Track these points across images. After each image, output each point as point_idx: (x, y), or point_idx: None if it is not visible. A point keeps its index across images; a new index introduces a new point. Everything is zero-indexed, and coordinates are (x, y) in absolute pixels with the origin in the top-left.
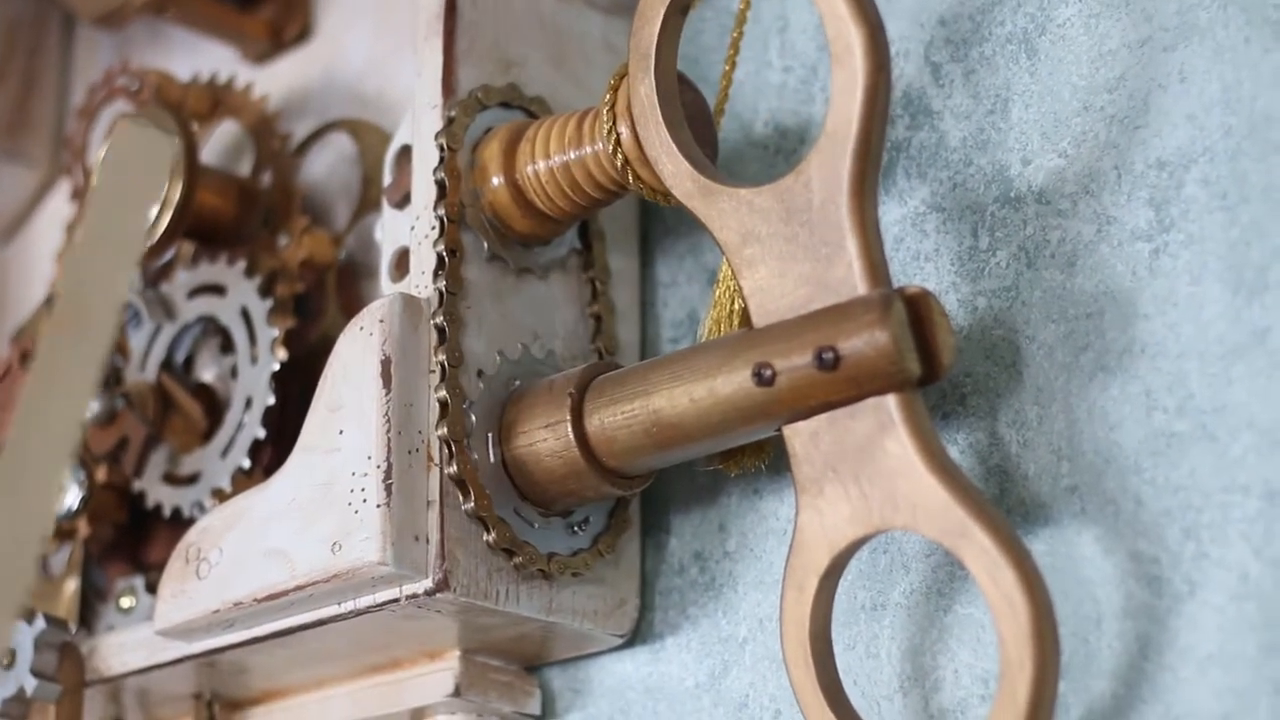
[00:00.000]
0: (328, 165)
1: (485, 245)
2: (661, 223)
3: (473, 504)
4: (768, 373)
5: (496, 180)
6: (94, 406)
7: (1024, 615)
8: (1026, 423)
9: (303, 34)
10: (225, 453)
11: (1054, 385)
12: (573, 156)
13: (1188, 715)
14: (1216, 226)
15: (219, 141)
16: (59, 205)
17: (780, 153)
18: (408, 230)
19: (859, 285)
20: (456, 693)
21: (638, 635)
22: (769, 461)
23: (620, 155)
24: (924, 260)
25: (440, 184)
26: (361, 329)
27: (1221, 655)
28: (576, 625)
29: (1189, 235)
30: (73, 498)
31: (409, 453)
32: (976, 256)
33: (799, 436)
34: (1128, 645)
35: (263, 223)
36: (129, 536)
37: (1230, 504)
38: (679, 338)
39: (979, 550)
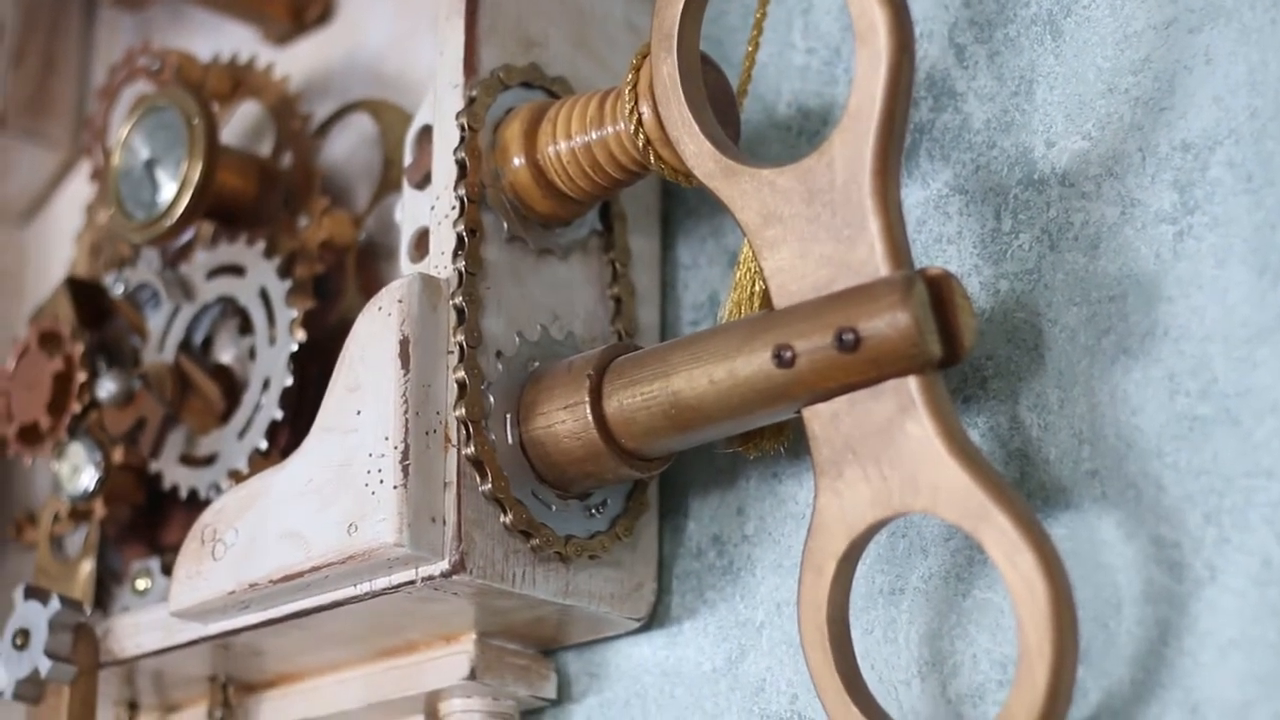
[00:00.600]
0: (348, 146)
1: (505, 226)
2: (683, 204)
3: (490, 485)
4: (788, 354)
5: (517, 160)
6: (111, 387)
7: (1043, 600)
8: (1048, 406)
9: (324, 14)
10: (242, 434)
11: (1076, 368)
12: (594, 137)
13: (1208, 701)
14: (1241, 209)
15: (240, 122)
16: (79, 186)
17: (803, 134)
18: (428, 210)
19: (881, 266)
20: (472, 676)
21: (655, 619)
22: (788, 444)
23: (642, 135)
24: (946, 243)
25: (461, 164)
26: (380, 309)
27: (1243, 641)
28: (593, 608)
29: (1213, 218)
30: (89, 478)
31: (426, 434)
32: (999, 239)
33: (819, 418)
34: (1148, 630)
35: (283, 203)
36: (145, 518)
37: (1253, 489)
38: (699, 320)
39: (999, 534)
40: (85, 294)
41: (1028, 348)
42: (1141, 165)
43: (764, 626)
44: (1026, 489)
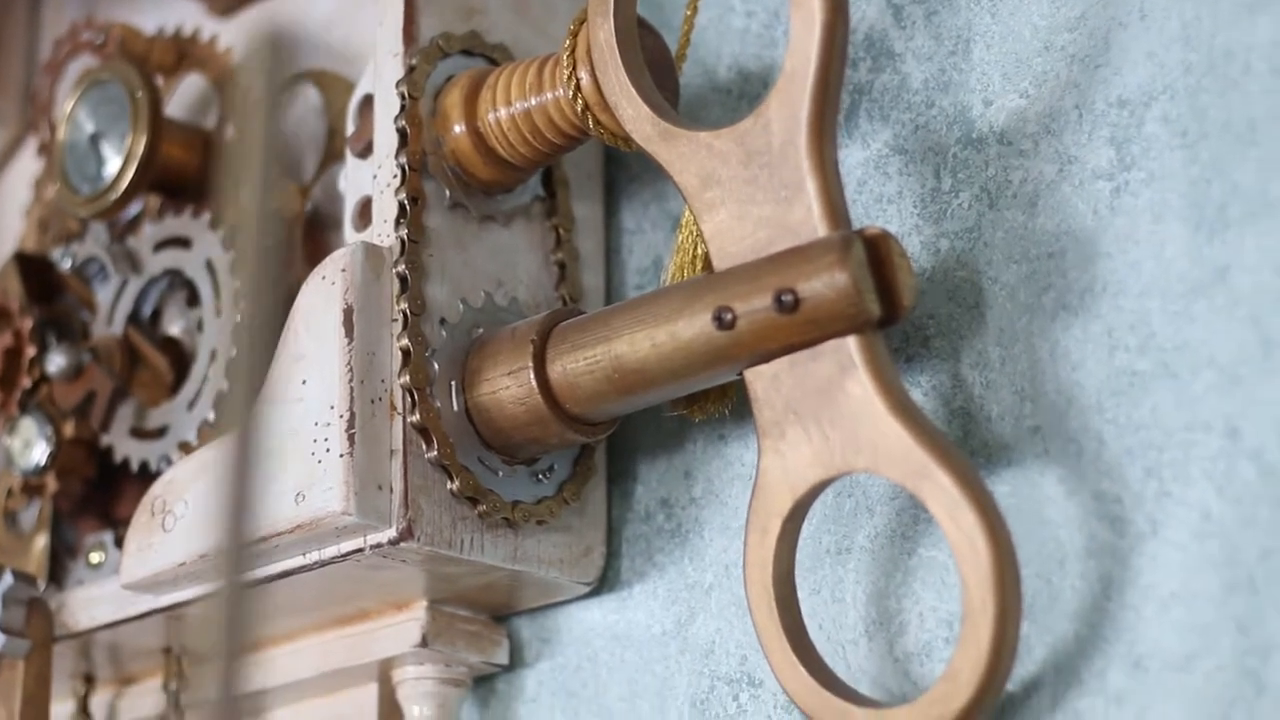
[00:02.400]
0: (294, 117)
1: (447, 193)
2: (626, 170)
3: (436, 452)
4: (728, 316)
5: (458, 128)
6: (61, 362)
7: (985, 557)
8: (989, 364)
9: None
10: (192, 405)
11: (1016, 326)
12: (534, 103)
13: (1151, 654)
14: (1177, 164)
15: (184, 95)
16: (27, 163)
17: (744, 98)
18: (370, 179)
19: (819, 227)
20: (424, 643)
21: (604, 583)
22: (733, 406)
23: (580, 100)
24: (886, 203)
25: (402, 132)
26: (323, 278)
27: (1184, 593)
28: (542, 573)
29: (1150, 173)
30: (41, 453)
31: (372, 402)
32: (939, 198)
33: (760, 380)
34: (1091, 585)
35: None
36: (98, 492)
37: (1192, 442)
38: (644, 284)
39: (940, 491)
40: (33, 269)
41: (968, 306)
42: (1078, 122)
43: (713, 589)
44: (969, 447)
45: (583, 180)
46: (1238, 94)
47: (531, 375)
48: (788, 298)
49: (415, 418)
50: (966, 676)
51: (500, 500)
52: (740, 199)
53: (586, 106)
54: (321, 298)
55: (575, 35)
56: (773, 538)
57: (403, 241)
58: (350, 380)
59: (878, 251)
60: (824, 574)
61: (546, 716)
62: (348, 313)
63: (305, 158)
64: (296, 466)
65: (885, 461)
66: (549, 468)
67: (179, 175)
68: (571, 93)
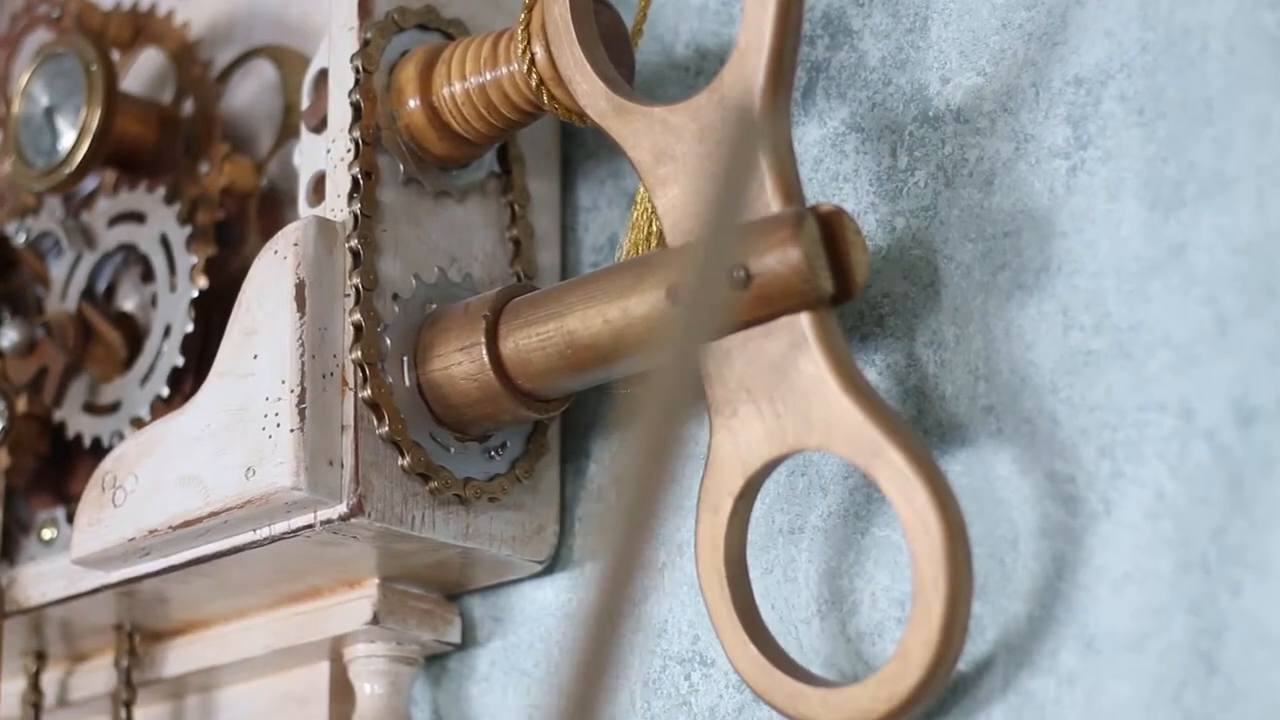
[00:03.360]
0: (250, 92)
1: (401, 168)
2: (582, 146)
3: (387, 428)
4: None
5: (413, 103)
6: (13, 336)
7: (937, 535)
8: (944, 343)
9: None
10: (144, 381)
11: (971, 305)
12: (489, 78)
13: (1104, 635)
14: (1133, 143)
15: (141, 69)
16: None
17: (701, 74)
18: (324, 154)
19: (772, 203)
20: (375, 620)
21: (558, 562)
22: None
23: (535, 75)
24: (843, 180)
25: (356, 106)
26: (276, 253)
27: (1137, 574)
28: (494, 551)
29: (1106, 152)
30: None
31: (323, 377)
32: (895, 176)
33: (712, 357)
34: (1044, 565)
35: (184, 150)
36: (51, 467)
37: (1146, 422)
38: (600, 261)
39: (892, 470)
40: None
41: (924, 284)
42: (1035, 100)
43: (665, 568)
44: (923, 426)
45: (538, 157)
46: (1194, 72)
47: (484, 351)
48: (740, 274)
49: (367, 393)
50: (917, 656)
51: (452, 477)
52: (694, 174)
53: (541, 81)
54: (274, 272)
55: (530, 10)
56: (724, 516)
57: (356, 216)
58: (302, 355)
59: (831, 228)
60: (776, 553)
61: (499, 695)
62: (300, 287)
63: (261, 133)
64: (247, 441)
65: (838, 439)
66: (501, 444)
67: (134, 150)
68: (526, 67)
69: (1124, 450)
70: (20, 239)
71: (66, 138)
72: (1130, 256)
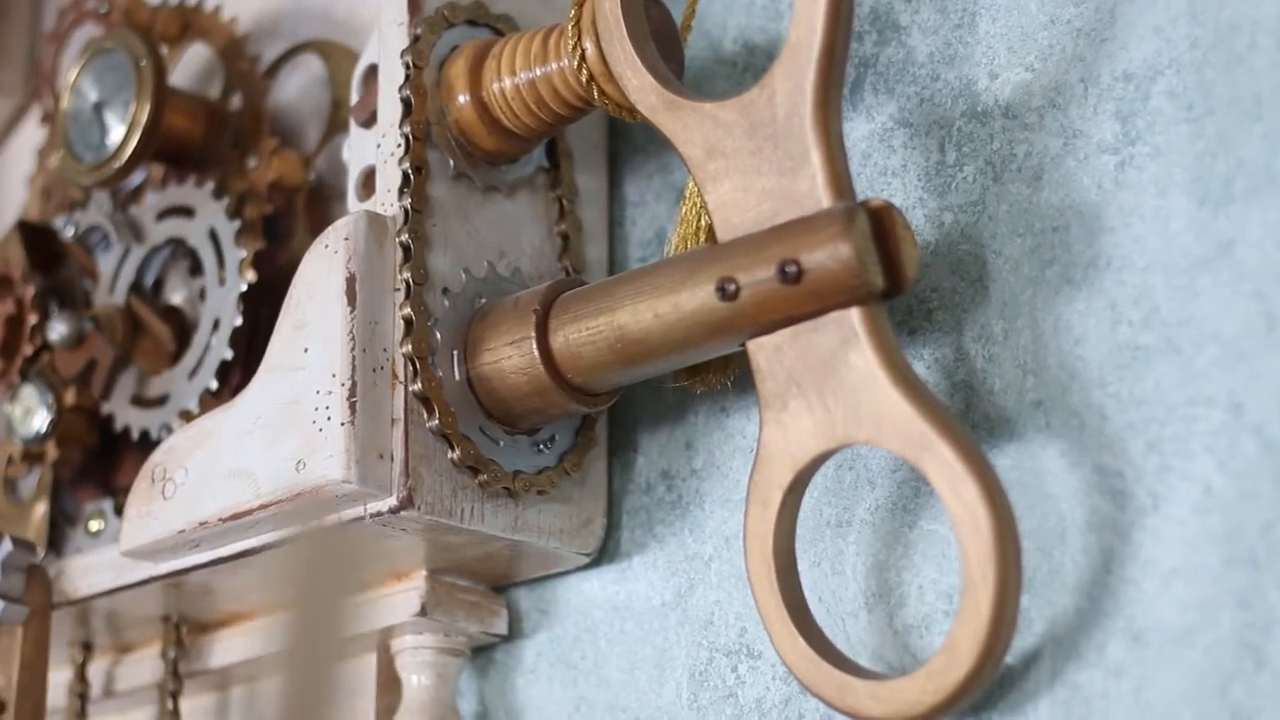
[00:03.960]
0: (298, 87)
1: (451, 163)
2: (630, 141)
3: (437, 421)
4: (731, 287)
5: (463, 98)
6: (62, 330)
7: (986, 529)
8: (992, 337)
9: None
10: (193, 374)
11: (1020, 299)
12: (538, 73)
13: (1151, 629)
14: (1182, 139)
15: (189, 64)
16: (31, 131)
17: (749, 70)
18: (374, 149)
19: (823, 198)
20: (423, 612)
21: (604, 554)
22: (735, 378)
23: (585, 71)
24: (891, 175)
25: (406, 101)
26: (326, 247)
27: (1185, 568)
28: (542, 544)
29: (1155, 148)
30: (41, 420)
31: (374, 370)
32: (943, 171)
33: (763, 351)
34: (1091, 559)
35: (232, 145)
36: (98, 460)
37: (1194, 417)
38: (647, 256)
39: (942, 464)
40: (36, 237)
41: (972, 279)
42: (1083, 96)
43: (712, 560)
44: (971, 420)
45: (587, 151)
46: (1243, 68)
47: (534, 345)
48: (791, 269)
49: (417, 386)
50: (966, 649)
51: (501, 470)
52: (745, 170)
53: (591, 77)
54: (324, 266)
55: (580, 5)
56: (773, 510)
57: (406, 211)
58: (352, 349)
59: (881, 223)
60: (824, 546)
61: (545, 687)
62: (350, 281)
63: (308, 128)
64: (297, 434)
65: (887, 433)
66: (550, 438)
67: (182, 144)
68: (576, 63)
69: (1172, 445)
70: (69, 233)
71: (115, 132)
72: (1179, 252)
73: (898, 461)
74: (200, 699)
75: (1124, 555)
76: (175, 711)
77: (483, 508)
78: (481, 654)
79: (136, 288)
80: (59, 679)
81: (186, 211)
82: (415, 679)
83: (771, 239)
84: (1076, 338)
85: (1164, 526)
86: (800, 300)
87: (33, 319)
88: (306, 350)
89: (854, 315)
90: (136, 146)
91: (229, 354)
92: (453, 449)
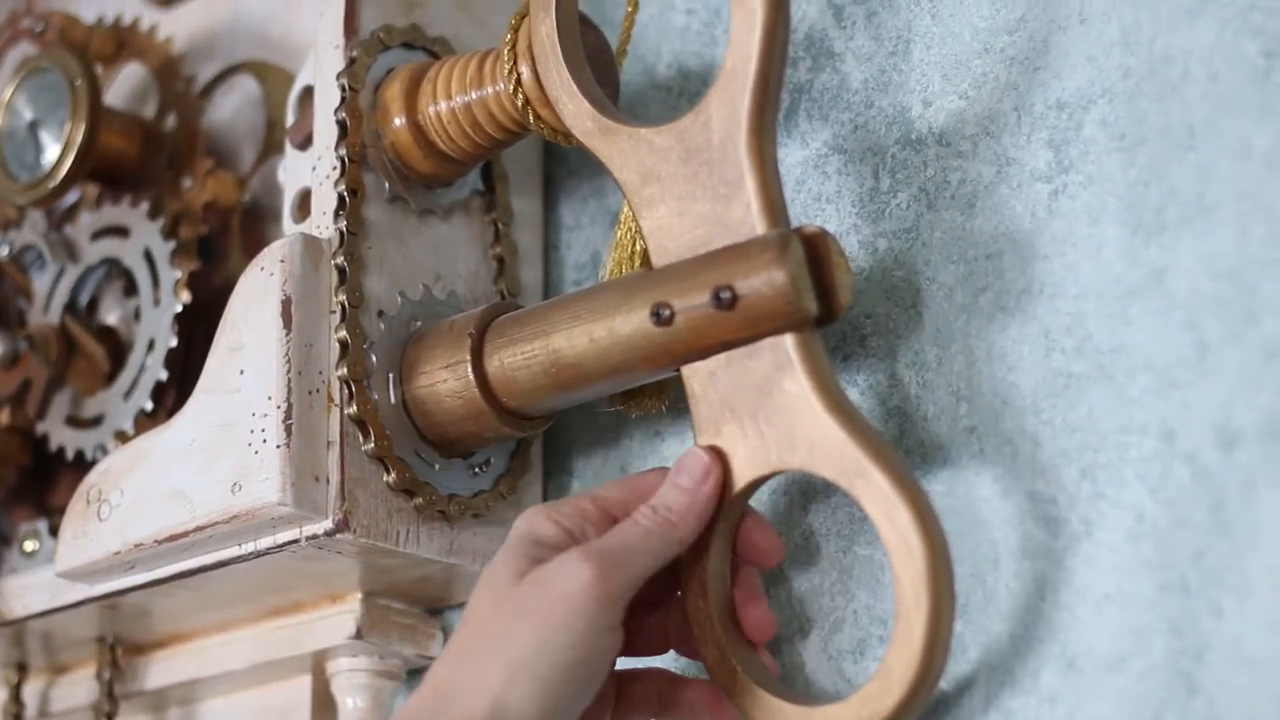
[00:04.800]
0: (233, 108)
1: (387, 186)
2: (565, 165)
3: (373, 444)
4: (666, 312)
5: (398, 121)
6: None
7: (920, 556)
8: (926, 364)
9: None
10: (128, 395)
11: (953, 326)
12: (474, 97)
13: (1084, 654)
14: (1115, 167)
15: (124, 84)
16: None
17: (684, 95)
18: (309, 171)
19: (757, 225)
20: (358, 635)
21: None
22: (669, 403)
23: (521, 95)
24: (825, 202)
25: (342, 124)
26: (262, 269)
27: (1118, 595)
28: (478, 567)
29: (1088, 176)
30: None
31: (309, 393)
32: (877, 198)
33: (697, 376)
34: (1025, 585)
35: (167, 165)
36: (33, 480)
37: (1127, 444)
38: (582, 280)
39: (875, 490)
40: None
41: (906, 306)
42: (1017, 124)
43: None
44: (905, 446)
45: (522, 175)
46: (1176, 98)
47: (469, 369)
48: (726, 295)
49: (352, 410)
50: (899, 675)
51: (436, 493)
52: (679, 195)
53: (527, 101)
54: (260, 288)
55: (516, 30)
56: (708, 535)
57: (342, 233)
58: (288, 371)
59: (816, 250)
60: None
61: None
62: (286, 304)
63: (243, 149)
64: (233, 457)
65: (820, 459)
66: (485, 461)
67: (117, 164)
68: (512, 87)
69: (1105, 472)
70: (3, 252)
71: (50, 152)
72: (1111, 280)
73: (832, 487)
74: None
75: (1057, 582)
76: None
77: (418, 531)
78: (417, 676)
79: (71, 307)
80: None
81: (121, 231)
82: (350, 701)
83: (706, 265)
84: (1010, 365)
85: (1097, 553)
86: (735, 326)
87: None
88: (242, 372)
89: (788, 341)
90: (71, 166)
91: (164, 375)
92: (388, 472)
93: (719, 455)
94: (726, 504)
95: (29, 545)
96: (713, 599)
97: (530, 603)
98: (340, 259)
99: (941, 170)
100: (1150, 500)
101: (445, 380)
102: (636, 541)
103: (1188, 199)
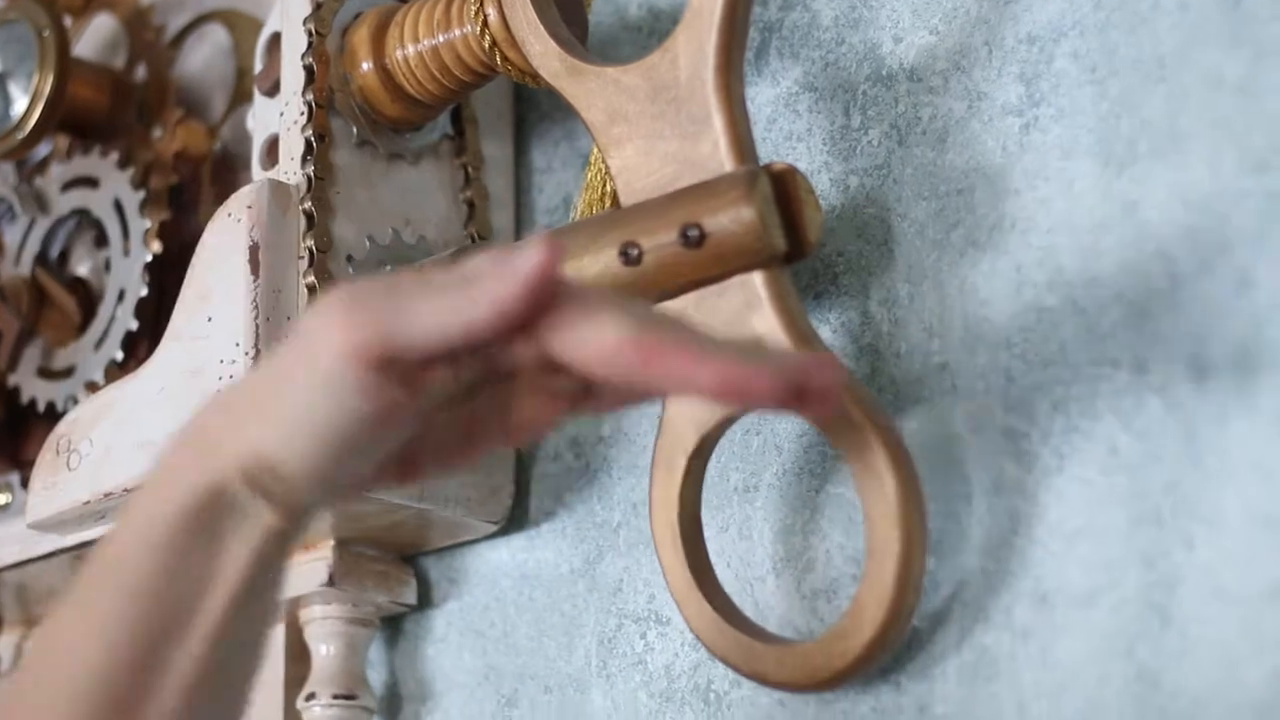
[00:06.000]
0: (203, 57)
1: (355, 131)
2: (536, 109)
3: None
4: (634, 251)
5: (366, 65)
6: None
7: (891, 492)
8: (898, 300)
9: None
10: (99, 345)
11: (925, 262)
12: (441, 40)
13: (1058, 589)
14: (1086, 100)
15: (94, 35)
16: None
17: (654, 35)
18: (277, 117)
19: (725, 162)
20: (331, 582)
21: (513, 522)
22: None
23: (488, 37)
24: (796, 140)
25: (309, 69)
26: (229, 216)
27: (1091, 529)
28: (450, 512)
29: (1059, 110)
30: None
31: (278, 339)
32: (849, 135)
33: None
34: (998, 521)
35: (137, 115)
36: (5, 433)
37: (1099, 377)
38: (554, 223)
39: (846, 428)
40: None
41: (877, 243)
42: (988, 59)
43: (621, 527)
44: (877, 383)
45: (492, 119)
46: (1146, 30)
47: None
48: (693, 232)
49: None
50: (871, 613)
51: None
52: (647, 134)
53: (494, 43)
54: (228, 235)
55: None
56: (679, 475)
57: (309, 179)
58: (256, 318)
59: (784, 187)
60: (731, 512)
61: (454, 656)
62: (254, 250)
63: (214, 98)
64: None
65: None
66: None
67: (87, 115)
68: (479, 29)
69: (1077, 406)
70: None
71: (19, 104)
72: (1083, 213)
73: (804, 426)
74: None
75: (1030, 517)
76: None
77: None
78: (391, 624)
79: (42, 259)
80: None
81: (91, 182)
82: (324, 649)
83: (674, 203)
84: (982, 300)
85: (1070, 487)
86: (703, 264)
87: None
88: (210, 319)
89: (757, 279)
90: (40, 117)
91: (134, 325)
92: None
93: (558, 248)
94: (700, 444)
95: (1, 498)
96: (684, 540)
97: (285, 354)
98: (308, 204)
99: (913, 106)
100: (1123, 433)
101: None
102: (411, 299)
103: (1159, 130)
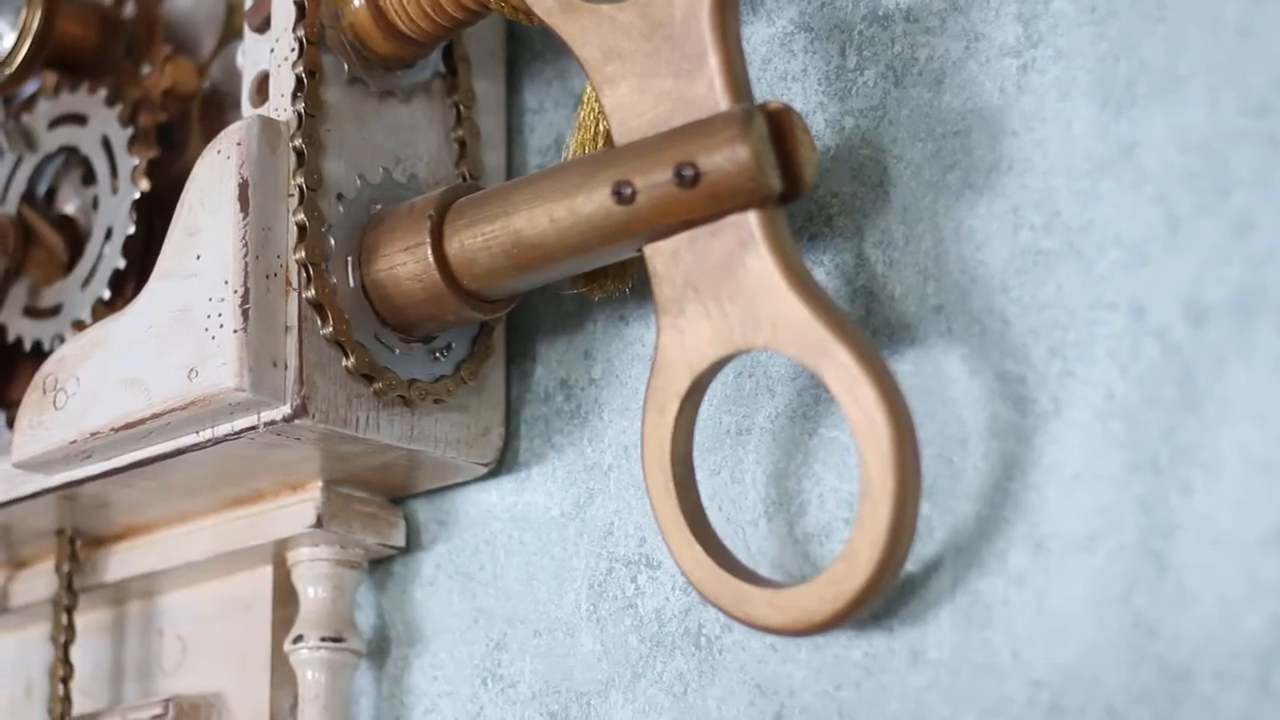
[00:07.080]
0: None
1: (346, 67)
2: (529, 47)
3: (331, 329)
4: (628, 190)
5: (357, 1)
6: None
7: (885, 435)
8: (893, 242)
9: None
10: (86, 284)
11: (921, 204)
12: None
13: (1053, 535)
14: (1084, 41)
15: None
16: None
17: None
18: (268, 54)
19: (720, 101)
20: (319, 524)
21: (503, 464)
22: (632, 284)
23: None
24: (791, 80)
25: (300, 5)
26: (219, 153)
27: (1087, 474)
28: (439, 453)
29: (1057, 50)
30: None
31: (267, 277)
32: (844, 76)
33: (660, 256)
34: (993, 465)
35: (126, 52)
36: None
37: (1096, 321)
38: (546, 163)
39: (840, 369)
40: None
41: (873, 184)
42: None
43: (611, 470)
44: (871, 325)
45: (484, 57)
46: None
47: (429, 251)
48: (688, 171)
49: (311, 293)
50: (864, 556)
51: (396, 378)
52: (642, 72)
53: None
54: (217, 172)
55: None
56: (671, 417)
57: (300, 115)
58: (245, 255)
59: (780, 126)
60: (724, 455)
61: (444, 599)
62: (243, 187)
63: (203, 34)
64: (190, 342)
65: (785, 338)
66: (447, 346)
67: (75, 52)
68: None
69: (1074, 349)
70: None
71: (6, 39)
72: (1081, 155)
73: (797, 368)
74: (96, 613)
75: (1026, 461)
76: (70, 626)
77: (378, 417)
78: (379, 566)
79: (29, 197)
80: None
81: (80, 119)
82: (312, 591)
83: (668, 142)
84: (978, 243)
85: (1066, 432)
86: (697, 204)
87: None
88: (199, 257)
89: (751, 219)
90: (28, 53)
91: (122, 263)
92: (347, 357)
93: None
94: (692, 386)
95: None
96: (676, 483)
97: None
98: (298, 141)
99: (909, 47)
100: (1120, 377)
101: (405, 263)
102: None
103: (1158, 71)
